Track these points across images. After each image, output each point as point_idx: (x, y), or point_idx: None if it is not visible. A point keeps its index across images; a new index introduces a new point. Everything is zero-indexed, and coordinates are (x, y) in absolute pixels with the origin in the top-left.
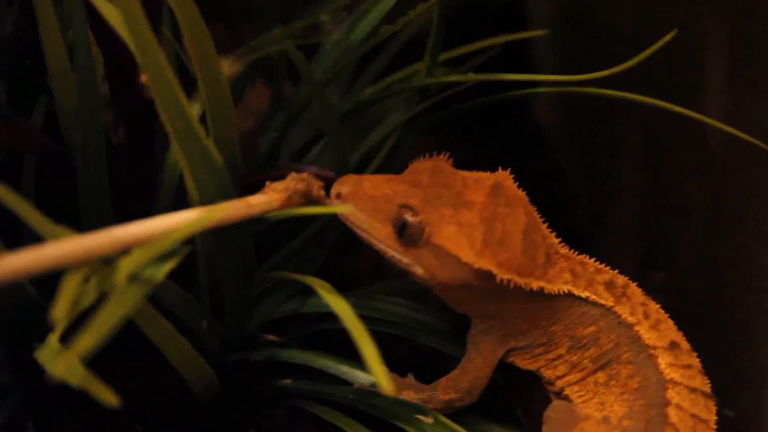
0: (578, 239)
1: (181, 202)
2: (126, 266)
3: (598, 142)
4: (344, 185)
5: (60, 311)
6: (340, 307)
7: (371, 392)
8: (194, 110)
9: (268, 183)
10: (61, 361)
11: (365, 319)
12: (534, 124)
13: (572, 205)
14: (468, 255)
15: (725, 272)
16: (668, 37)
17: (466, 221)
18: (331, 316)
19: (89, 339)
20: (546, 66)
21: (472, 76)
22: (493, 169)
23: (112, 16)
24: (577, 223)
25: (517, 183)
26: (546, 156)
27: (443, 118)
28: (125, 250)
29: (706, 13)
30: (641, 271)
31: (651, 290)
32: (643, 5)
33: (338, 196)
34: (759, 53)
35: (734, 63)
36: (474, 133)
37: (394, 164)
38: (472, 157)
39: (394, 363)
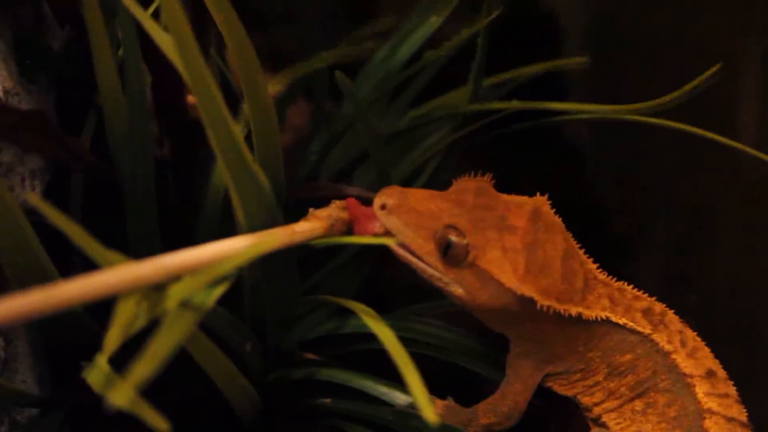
0: (614, 260)
1: (225, 221)
2: (177, 293)
3: (635, 163)
4: (390, 197)
5: (114, 337)
6: (383, 332)
7: (411, 414)
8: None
9: (311, 210)
10: (118, 390)
11: (404, 340)
12: (571, 145)
13: (609, 226)
14: (511, 281)
15: (760, 294)
16: (713, 70)
17: (510, 246)
18: (370, 337)
19: (145, 368)
20: (581, 85)
21: (515, 104)
22: (532, 192)
23: (163, 40)
24: (614, 244)
25: (554, 209)
26: (583, 176)
27: (483, 140)
28: (175, 277)
29: (743, 38)
30: (676, 293)
31: (685, 312)
32: (677, 29)
33: (383, 207)
34: None
35: None
36: (510, 154)
37: (436, 186)
38: (508, 178)
39: (432, 385)
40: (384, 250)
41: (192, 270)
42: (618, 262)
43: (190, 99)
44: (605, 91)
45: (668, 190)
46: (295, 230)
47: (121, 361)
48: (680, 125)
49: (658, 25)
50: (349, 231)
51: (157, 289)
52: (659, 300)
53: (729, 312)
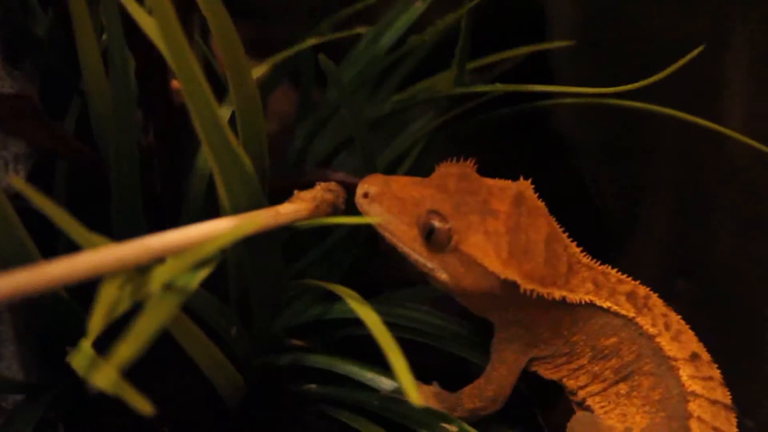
0: (604, 247)
1: (209, 206)
2: (161, 275)
3: (625, 150)
4: (372, 185)
5: (97, 320)
6: (369, 317)
7: (397, 399)
8: (223, 114)
9: (296, 192)
10: (101, 372)
11: (390, 325)
12: (559, 132)
13: (598, 213)
14: (494, 264)
15: (750, 281)
16: (695, 53)
17: (492, 230)
18: (357, 322)
19: (128, 349)
20: (567, 73)
21: (499, 87)
22: (517, 178)
23: (147, 24)
24: (603, 232)
25: (537, 193)
26: (572, 164)
27: (468, 126)
28: (159, 259)
29: (733, 19)
30: (667, 280)
31: (677, 299)
32: (667, 18)
33: (365, 195)
34: None
35: (762, 70)
36: (497, 140)
37: (420, 172)
38: (495, 165)
39: (418, 370)
40: (371, 235)
41: (176, 252)
42: (610, 248)
43: (175, 84)
44: (593, 81)
45: (661, 175)
46: (279, 212)
47: (107, 346)
48: (661, 108)
49: (647, 14)
50: (335, 212)
51: (140, 271)
52: (654, 291)
53: (720, 299)
